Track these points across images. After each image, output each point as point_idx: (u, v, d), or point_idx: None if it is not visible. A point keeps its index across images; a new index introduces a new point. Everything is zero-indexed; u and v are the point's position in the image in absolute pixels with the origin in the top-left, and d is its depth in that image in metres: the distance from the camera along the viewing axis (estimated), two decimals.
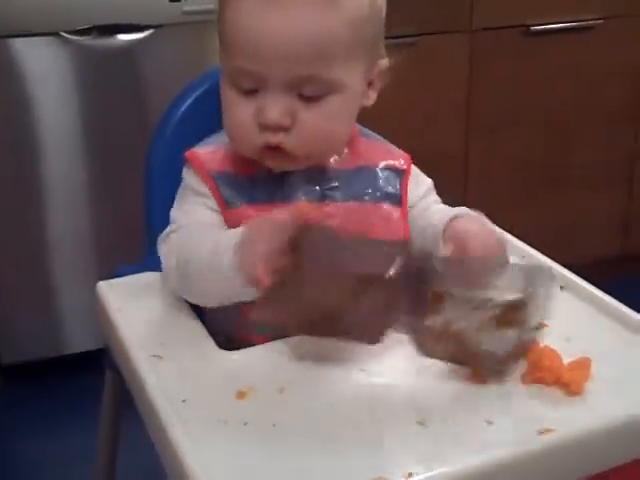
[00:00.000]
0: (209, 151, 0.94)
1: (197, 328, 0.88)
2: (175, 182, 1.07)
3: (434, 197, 1.02)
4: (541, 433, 0.69)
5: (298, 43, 0.84)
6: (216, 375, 0.80)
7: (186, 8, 1.81)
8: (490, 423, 0.72)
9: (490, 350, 0.76)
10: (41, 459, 1.80)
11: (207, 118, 1.08)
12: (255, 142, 0.88)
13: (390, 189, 0.96)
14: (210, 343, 0.85)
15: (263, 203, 0.91)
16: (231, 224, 0.90)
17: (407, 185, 0.98)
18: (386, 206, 0.96)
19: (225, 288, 0.83)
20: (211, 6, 1.80)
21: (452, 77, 2.06)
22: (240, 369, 0.80)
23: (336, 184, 0.93)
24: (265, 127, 0.87)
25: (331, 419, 0.73)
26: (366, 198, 0.95)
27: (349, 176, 0.94)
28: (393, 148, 1.01)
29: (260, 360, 0.82)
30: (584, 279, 0.94)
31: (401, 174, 0.98)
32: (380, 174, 0.97)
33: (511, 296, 0.77)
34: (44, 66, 1.79)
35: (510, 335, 0.76)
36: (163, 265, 0.91)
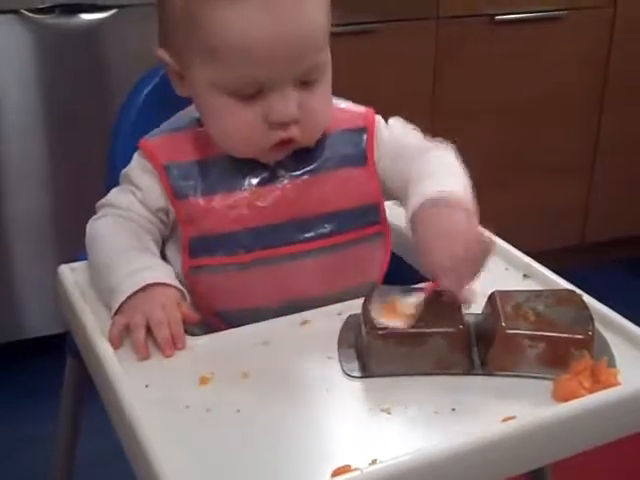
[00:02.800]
0: (162, 140, 0.93)
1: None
2: None
3: (406, 130, 0.98)
4: (504, 420, 0.70)
5: (299, 39, 0.83)
6: (179, 360, 0.79)
7: None
8: (454, 410, 0.72)
9: None
10: (0, 445, 1.78)
11: (172, 100, 1.07)
12: (264, 142, 0.86)
13: (349, 151, 0.93)
14: None
15: (211, 193, 0.90)
16: (182, 215, 0.90)
17: (372, 141, 0.94)
18: (345, 170, 0.93)
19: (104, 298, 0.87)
20: None
21: (418, 65, 2.06)
22: (204, 354, 0.80)
23: (287, 163, 0.91)
24: (279, 125, 0.85)
25: (295, 405, 0.73)
26: (324, 167, 0.92)
27: (305, 151, 0.92)
28: (352, 108, 0.97)
29: (224, 346, 0.82)
30: (546, 266, 0.95)
31: (361, 132, 0.94)
32: (337, 139, 0.93)
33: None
34: (4, 44, 1.75)
35: None
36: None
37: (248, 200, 0.90)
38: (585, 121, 2.31)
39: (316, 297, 0.91)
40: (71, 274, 0.94)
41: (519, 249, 0.99)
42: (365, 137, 0.94)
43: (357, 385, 0.76)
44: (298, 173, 0.91)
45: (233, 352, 0.81)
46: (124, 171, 0.95)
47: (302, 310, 0.87)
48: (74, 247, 1.01)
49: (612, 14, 2.21)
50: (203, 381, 0.76)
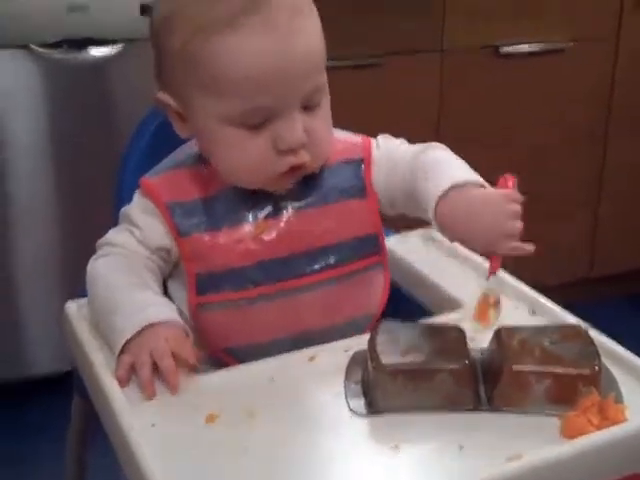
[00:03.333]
0: (163, 178, 0.93)
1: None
2: None
3: (394, 143, 0.98)
4: (510, 459, 0.69)
5: (305, 63, 0.85)
6: (186, 398, 0.79)
7: (150, 37, 1.80)
8: (461, 448, 0.72)
9: None
10: None
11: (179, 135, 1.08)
12: (275, 170, 0.87)
13: (349, 183, 0.94)
14: None
15: (217, 229, 0.90)
16: (186, 252, 0.90)
17: (370, 173, 0.95)
18: (346, 202, 0.93)
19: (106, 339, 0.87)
20: None
21: (423, 97, 2.07)
22: (210, 392, 0.80)
23: (290, 195, 0.92)
24: (289, 151, 0.86)
25: (302, 443, 0.73)
26: (325, 200, 0.93)
27: (305, 183, 0.93)
28: (349, 138, 0.98)
29: (231, 383, 0.82)
30: (553, 301, 0.95)
31: (360, 163, 0.95)
32: (336, 171, 0.94)
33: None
34: (13, 79, 1.77)
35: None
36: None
37: (253, 234, 0.90)
38: (590, 153, 2.31)
39: (323, 328, 0.91)
40: (78, 310, 0.94)
41: (526, 283, 0.99)
42: (363, 167, 0.95)
43: (364, 423, 0.76)
44: (301, 205, 0.92)
45: (240, 389, 0.80)
46: (123, 210, 0.95)
47: (310, 342, 0.88)
48: (81, 284, 1.01)
49: (615, 46, 2.23)
50: (210, 419, 0.75)
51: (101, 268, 0.91)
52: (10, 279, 1.89)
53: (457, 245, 1.05)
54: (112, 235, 0.94)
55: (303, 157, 0.87)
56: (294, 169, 0.88)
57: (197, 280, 0.90)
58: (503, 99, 2.16)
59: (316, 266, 0.91)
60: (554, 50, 2.16)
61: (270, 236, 0.90)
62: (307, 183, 0.92)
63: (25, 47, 1.75)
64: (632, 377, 0.82)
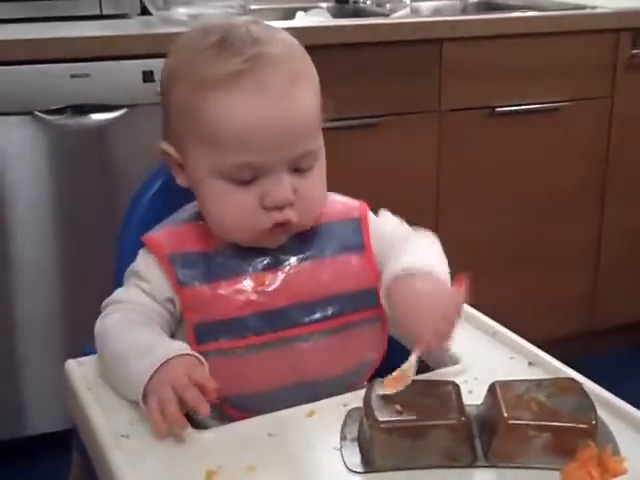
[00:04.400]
0: (165, 233, 0.96)
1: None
2: None
3: (402, 229, 1.01)
4: None
5: (295, 126, 0.87)
6: (185, 454, 0.79)
7: (159, 89, 1.84)
8: None
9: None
10: None
11: (179, 198, 1.09)
12: (261, 226, 0.90)
13: (348, 238, 0.97)
14: None
15: (217, 280, 0.91)
16: (187, 303, 0.91)
17: (367, 231, 0.98)
18: (345, 257, 0.96)
19: (126, 390, 0.87)
20: None
21: (421, 157, 2.10)
22: (210, 448, 0.80)
23: (289, 249, 0.94)
24: (274, 208, 0.88)
25: None
26: (324, 253, 0.95)
27: (304, 238, 0.95)
28: (347, 201, 1.01)
29: (230, 438, 0.82)
30: (552, 355, 0.95)
31: (358, 222, 0.98)
32: (335, 227, 0.97)
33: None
34: (17, 144, 1.79)
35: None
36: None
37: (253, 285, 0.92)
38: (587, 210, 2.33)
39: (321, 377, 0.92)
40: (78, 369, 0.95)
41: (527, 337, 0.99)
42: (361, 226, 0.98)
43: (364, 477, 0.76)
44: (301, 257, 0.94)
45: (239, 445, 0.80)
46: (129, 269, 0.97)
47: (309, 391, 0.89)
48: (81, 343, 1.01)
49: (610, 105, 2.26)
50: (209, 475, 0.75)
51: (110, 324, 0.92)
52: (10, 337, 1.89)
53: None
54: (119, 293, 0.96)
55: (287, 215, 0.89)
56: (279, 226, 0.90)
57: (196, 330, 0.90)
58: (500, 158, 2.19)
59: (314, 317, 0.93)
60: (549, 109, 2.19)
61: (269, 288, 0.92)
62: (306, 238, 0.95)
63: (29, 113, 1.78)
64: (630, 429, 0.82)
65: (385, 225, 1.00)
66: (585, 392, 0.81)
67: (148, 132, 1.86)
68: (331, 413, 0.84)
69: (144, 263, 0.95)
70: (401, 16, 2.28)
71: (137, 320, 0.91)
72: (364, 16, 2.31)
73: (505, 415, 0.77)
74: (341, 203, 1.00)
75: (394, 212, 1.05)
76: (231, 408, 0.90)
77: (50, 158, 1.83)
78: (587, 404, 0.79)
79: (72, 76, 1.78)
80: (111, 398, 0.89)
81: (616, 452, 0.77)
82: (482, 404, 0.82)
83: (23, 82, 1.76)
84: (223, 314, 0.91)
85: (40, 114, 1.78)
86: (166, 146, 0.95)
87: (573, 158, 2.27)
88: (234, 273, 0.92)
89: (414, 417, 0.78)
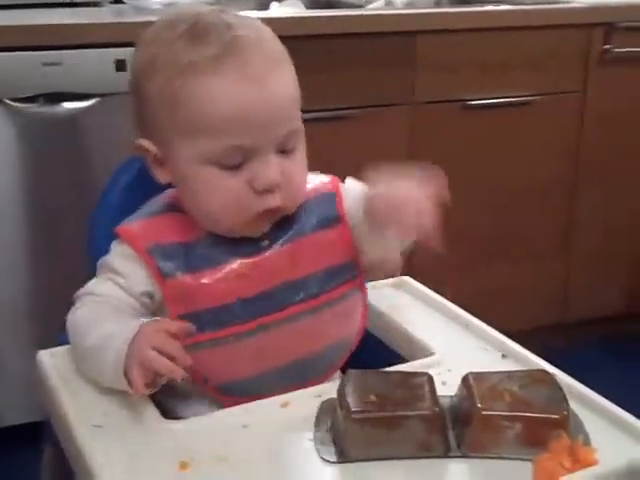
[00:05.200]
0: (141, 225, 0.94)
1: (141, 397, 0.86)
2: None
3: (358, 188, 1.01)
4: None
5: (280, 107, 0.88)
6: (158, 445, 0.79)
7: (129, 84, 1.82)
8: None
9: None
10: None
11: (151, 188, 1.09)
12: (252, 210, 0.89)
13: (323, 213, 0.97)
14: (154, 412, 0.84)
15: (199, 270, 0.91)
16: (169, 294, 0.90)
17: (342, 203, 0.99)
18: (323, 232, 0.96)
19: (103, 379, 0.87)
20: None
21: (392, 150, 2.10)
22: (183, 439, 0.80)
23: (267, 235, 0.94)
24: (265, 191, 0.89)
25: None
26: (303, 232, 0.95)
27: (282, 220, 0.95)
28: (318, 177, 1.02)
29: (203, 429, 0.82)
30: (525, 347, 0.96)
31: (332, 196, 0.99)
32: (310, 204, 0.97)
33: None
34: None
35: None
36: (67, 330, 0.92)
37: (236, 272, 0.91)
38: (560, 203, 2.34)
39: (308, 356, 0.93)
40: (51, 360, 0.94)
41: (500, 329, 1.00)
42: (336, 199, 0.99)
43: (335, 471, 0.76)
44: (280, 240, 0.94)
45: (212, 436, 0.80)
46: (102, 260, 0.95)
47: (297, 371, 0.92)
48: (52, 333, 1.01)
49: (582, 99, 2.28)
50: (183, 466, 0.75)
51: (82, 317, 0.91)
52: None
53: (428, 292, 1.07)
54: (93, 286, 0.94)
55: (277, 199, 0.90)
56: (270, 211, 0.90)
57: (187, 319, 0.89)
58: (473, 151, 2.19)
59: (301, 295, 0.93)
60: (521, 103, 2.20)
61: (253, 273, 0.92)
62: (284, 219, 0.95)
63: (0, 101, 1.76)
64: (601, 420, 0.83)
65: (356, 189, 1.00)
66: (557, 383, 0.81)
67: (120, 121, 1.85)
68: (305, 404, 0.85)
69: (119, 256, 0.93)
70: (375, 8, 2.27)
71: (111, 311, 0.90)
72: (338, 7, 2.31)
73: (479, 406, 0.77)
74: (312, 181, 1.00)
75: None
76: (223, 395, 0.91)
77: (21, 147, 1.81)
78: (559, 395, 0.79)
79: (44, 64, 1.76)
80: (84, 389, 0.88)
81: (587, 443, 0.78)
82: (455, 395, 0.83)
83: None
84: (208, 303, 0.90)
85: (10, 102, 1.76)
86: (144, 142, 0.93)
87: (545, 152, 2.28)
88: (216, 262, 0.91)
89: (387, 407, 0.78)
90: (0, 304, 1.87)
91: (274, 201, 0.90)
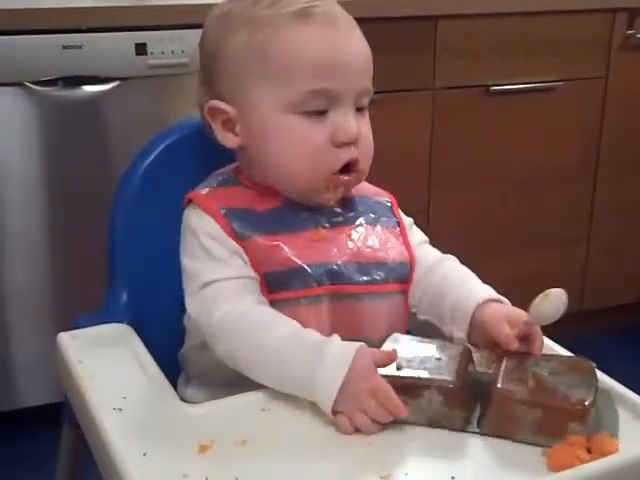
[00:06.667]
0: (209, 193, 0.95)
1: (160, 380, 0.87)
2: (139, 234, 1.07)
3: (419, 235, 1.04)
4: None
5: (362, 58, 0.93)
6: (178, 428, 0.79)
7: (152, 62, 1.83)
8: (453, 478, 0.72)
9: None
10: None
11: (172, 171, 1.09)
12: (332, 165, 0.91)
13: (384, 215, 1.00)
14: (173, 396, 0.84)
15: (273, 234, 0.91)
16: (250, 254, 0.90)
17: (399, 216, 1.02)
18: (385, 229, 0.98)
19: (289, 387, 0.83)
20: (176, 60, 1.82)
21: (415, 134, 2.10)
22: (202, 422, 0.80)
23: (340, 214, 0.96)
24: (343, 145, 0.91)
25: (294, 473, 0.73)
26: (367, 222, 0.97)
27: (347, 205, 0.97)
28: (374, 187, 1.05)
29: (222, 413, 0.82)
30: (544, 333, 0.95)
31: (390, 205, 1.03)
32: (371, 203, 1.00)
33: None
34: (7, 116, 1.78)
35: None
36: (197, 321, 0.90)
37: (310, 240, 0.92)
38: (580, 190, 2.33)
39: (369, 339, 0.90)
40: (71, 342, 0.94)
41: None
42: (393, 210, 1.02)
43: (357, 450, 0.76)
44: (350, 220, 0.96)
45: (232, 419, 0.80)
46: (189, 233, 0.93)
47: None
48: (72, 316, 1.01)
49: (604, 84, 2.26)
50: (202, 449, 0.75)
51: (235, 318, 0.87)
52: (1, 311, 1.88)
53: None
54: (201, 270, 0.91)
55: (355, 153, 0.92)
56: (348, 168, 0.92)
57: (266, 278, 0.90)
58: (494, 137, 2.18)
59: (367, 278, 0.93)
60: (543, 89, 2.19)
61: (326, 244, 0.93)
62: (349, 205, 0.97)
63: (20, 85, 1.76)
64: (622, 409, 0.82)
65: (413, 228, 1.04)
66: (594, 375, 0.80)
67: (141, 105, 1.86)
68: None
69: (206, 221, 0.92)
70: None
71: (260, 312, 0.88)
72: None
73: (499, 386, 0.77)
74: (371, 186, 1.03)
75: (386, 187, 1.06)
76: None
77: (41, 130, 1.82)
78: (589, 387, 0.78)
79: (64, 47, 1.76)
80: (103, 372, 0.88)
81: (613, 434, 0.77)
82: (491, 372, 0.83)
83: (14, 53, 1.74)
84: (284, 265, 0.90)
85: (31, 85, 1.77)
86: (217, 103, 0.94)
87: (567, 138, 2.27)
88: (288, 229, 0.92)
89: (411, 375, 0.79)
90: (20, 287, 1.88)
91: (353, 153, 0.91)
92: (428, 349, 0.83)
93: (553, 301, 0.85)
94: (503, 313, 0.90)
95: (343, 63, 0.90)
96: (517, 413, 0.76)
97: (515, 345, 0.85)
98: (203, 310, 0.89)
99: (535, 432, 0.76)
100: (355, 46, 0.93)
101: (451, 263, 1.01)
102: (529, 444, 0.76)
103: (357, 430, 0.78)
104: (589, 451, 0.74)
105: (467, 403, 0.79)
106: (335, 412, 0.79)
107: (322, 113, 0.91)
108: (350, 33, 0.93)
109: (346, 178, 0.93)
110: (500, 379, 0.78)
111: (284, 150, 0.92)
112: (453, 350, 0.83)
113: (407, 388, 0.78)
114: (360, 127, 0.93)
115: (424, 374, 0.79)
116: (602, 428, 0.77)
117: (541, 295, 0.86)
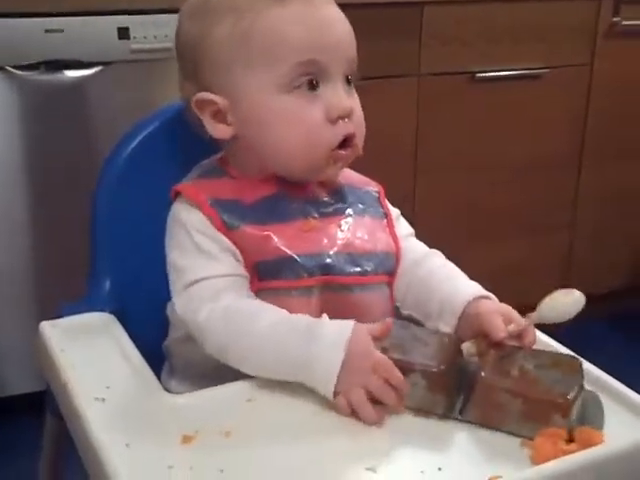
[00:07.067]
0: (196, 183, 0.94)
1: (143, 370, 0.86)
2: (122, 221, 1.06)
3: (406, 227, 1.04)
4: None
5: (344, 29, 0.93)
6: (161, 418, 0.78)
7: (134, 46, 1.81)
8: (440, 469, 0.71)
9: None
10: None
11: (156, 157, 1.07)
12: (330, 141, 0.90)
13: (372, 205, 1.00)
14: (156, 385, 0.84)
15: (263, 224, 0.90)
16: (239, 244, 0.89)
17: (386, 206, 1.02)
18: (377, 221, 0.99)
19: (284, 373, 0.82)
20: (159, 45, 1.80)
21: (400, 121, 2.09)
22: (186, 413, 0.79)
23: (329, 204, 0.95)
24: (338, 119, 0.90)
25: (278, 463, 0.72)
26: (356, 212, 0.97)
27: (335, 194, 0.97)
28: (362, 176, 1.04)
29: (207, 403, 0.81)
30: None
31: (378, 196, 1.02)
32: (358, 193, 1.00)
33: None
34: None
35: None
36: (184, 317, 0.89)
37: (300, 230, 0.92)
38: (567, 176, 2.34)
39: None
40: (53, 331, 0.93)
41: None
42: (380, 200, 1.02)
43: (342, 440, 0.75)
44: (341, 213, 0.96)
45: (216, 410, 0.80)
46: (176, 227, 0.92)
47: None
48: (55, 304, 1.00)
49: (590, 71, 2.26)
50: (186, 440, 0.74)
51: (224, 311, 0.86)
52: None
53: None
54: (188, 266, 0.90)
55: (350, 127, 0.91)
56: (345, 143, 0.91)
57: (256, 267, 0.89)
58: (479, 123, 2.18)
59: (357, 269, 0.93)
60: (529, 76, 2.19)
61: (316, 234, 0.92)
62: (337, 194, 0.97)
63: (1, 69, 1.74)
64: (607, 398, 0.82)
65: (400, 220, 1.03)
66: (580, 372, 0.80)
67: (124, 90, 1.84)
68: None
69: (194, 215, 0.91)
70: None
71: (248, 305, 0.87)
72: None
73: (483, 375, 0.77)
74: (360, 176, 1.03)
75: (372, 175, 1.05)
76: None
77: (23, 114, 1.80)
78: (573, 382, 0.77)
79: (46, 31, 1.74)
80: (86, 361, 0.87)
81: (598, 428, 0.76)
82: (478, 362, 0.83)
83: None
84: (275, 254, 0.89)
85: (12, 69, 1.75)
86: (207, 95, 0.93)
87: (553, 125, 2.27)
88: (277, 219, 0.91)
89: (397, 357, 0.79)
90: (2, 275, 1.87)
91: (349, 127, 0.91)
92: (417, 335, 0.83)
93: (573, 300, 0.84)
94: (496, 308, 0.89)
95: (327, 35, 0.90)
96: (500, 402, 0.76)
97: (503, 334, 0.85)
98: (190, 308, 0.88)
99: (518, 422, 0.76)
100: (335, 19, 0.93)
101: (437, 259, 1.01)
102: (512, 434, 0.76)
103: (355, 414, 0.78)
104: (571, 442, 0.74)
105: (450, 389, 0.79)
106: (336, 393, 0.79)
107: (313, 89, 0.90)
108: (328, 7, 0.93)
109: (344, 152, 0.92)
110: (486, 368, 0.78)
111: (281, 132, 0.91)
112: (442, 338, 0.83)
113: None
114: (350, 102, 0.92)
115: (410, 357, 0.79)
116: (586, 424, 0.76)
117: (562, 291, 0.84)
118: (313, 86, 0.90)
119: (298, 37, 0.89)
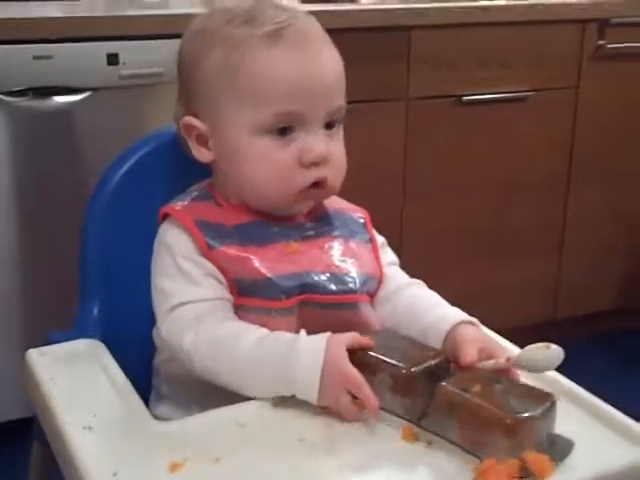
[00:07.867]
0: (184, 205, 0.96)
1: (131, 398, 0.85)
2: (112, 247, 1.06)
3: (391, 256, 1.04)
4: None
5: (332, 79, 0.93)
6: (149, 446, 0.77)
7: (123, 72, 1.81)
8: None
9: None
10: None
11: (145, 182, 1.08)
12: (299, 184, 0.92)
13: (357, 229, 1.01)
14: (144, 413, 0.83)
15: (244, 245, 0.91)
16: (219, 264, 0.91)
17: (372, 231, 1.03)
18: (357, 242, 0.99)
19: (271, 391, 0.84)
20: (148, 70, 1.81)
21: (389, 144, 2.10)
22: (174, 440, 0.78)
23: (312, 227, 0.96)
24: (313, 164, 0.91)
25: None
26: (340, 235, 0.98)
27: (321, 218, 0.98)
28: (348, 202, 1.05)
29: (196, 430, 0.81)
30: (515, 344, 0.95)
31: (364, 221, 1.04)
32: (343, 217, 1.01)
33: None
34: None
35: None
36: (169, 342, 0.90)
37: (282, 253, 0.93)
38: (553, 199, 2.35)
39: None
40: (40, 358, 0.93)
41: (490, 325, 0.99)
42: (366, 226, 1.03)
43: (332, 464, 0.75)
44: (321, 233, 0.97)
45: (205, 436, 0.79)
46: (165, 265, 0.93)
47: None
48: (41, 330, 1.00)
49: (575, 95, 2.27)
50: (174, 468, 0.74)
51: (208, 334, 0.87)
52: None
53: None
54: (186, 294, 0.91)
55: (324, 172, 0.92)
56: (314, 187, 0.92)
57: (236, 284, 0.91)
58: (467, 147, 2.19)
59: (339, 287, 0.94)
60: (516, 99, 2.20)
61: (297, 255, 0.93)
62: (322, 218, 0.98)
63: None
64: (589, 417, 0.82)
65: (386, 248, 1.04)
66: (552, 410, 0.76)
67: (112, 116, 1.84)
68: (302, 402, 0.83)
69: (183, 239, 0.92)
70: (369, 3, 2.26)
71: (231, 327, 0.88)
72: (332, 2, 2.29)
73: (443, 384, 0.78)
74: (344, 202, 1.04)
75: (361, 200, 1.05)
76: None
77: (11, 141, 1.79)
78: (537, 411, 0.74)
79: (35, 57, 1.74)
80: (74, 389, 0.87)
81: (559, 460, 0.74)
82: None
83: None
84: (254, 274, 0.90)
85: (1, 96, 1.75)
86: (191, 119, 0.95)
87: (539, 148, 2.28)
88: (261, 242, 0.92)
89: (372, 354, 0.81)
90: None
91: (321, 172, 0.92)
92: (406, 343, 0.85)
93: (551, 355, 0.82)
94: (473, 337, 0.89)
95: (311, 85, 0.91)
96: (452, 412, 0.76)
97: (469, 359, 0.84)
98: (174, 332, 0.89)
99: (465, 435, 0.76)
100: (325, 67, 0.93)
101: (420, 288, 1.02)
102: (462, 449, 0.76)
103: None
104: (523, 472, 0.72)
105: (414, 394, 0.79)
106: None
107: (284, 134, 0.91)
108: (320, 53, 0.93)
109: (315, 191, 0.93)
110: (450, 380, 0.79)
111: (253, 171, 0.92)
112: (429, 351, 0.84)
113: (366, 366, 0.80)
114: (330, 147, 0.93)
115: (386, 358, 0.81)
116: (542, 450, 0.74)
117: (541, 345, 0.83)
118: (285, 133, 0.91)
119: (280, 87, 0.90)
